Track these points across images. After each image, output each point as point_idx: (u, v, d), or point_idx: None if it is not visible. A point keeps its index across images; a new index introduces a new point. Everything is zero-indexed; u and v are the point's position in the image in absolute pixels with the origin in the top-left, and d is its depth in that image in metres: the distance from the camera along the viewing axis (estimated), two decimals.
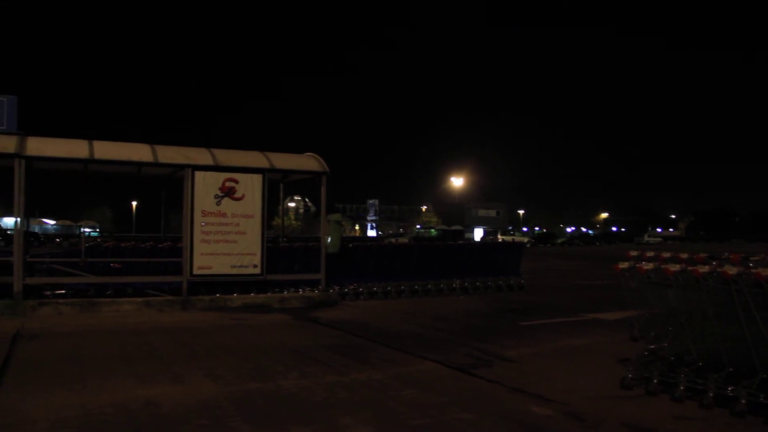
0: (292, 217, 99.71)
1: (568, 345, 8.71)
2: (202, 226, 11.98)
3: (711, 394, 5.47)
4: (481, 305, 13.01)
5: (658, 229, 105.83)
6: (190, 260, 11.85)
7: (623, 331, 8.93)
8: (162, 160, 11.98)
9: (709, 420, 5.24)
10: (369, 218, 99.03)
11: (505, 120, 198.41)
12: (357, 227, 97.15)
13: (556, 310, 12.32)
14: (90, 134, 12.03)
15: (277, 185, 15.20)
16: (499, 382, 6.51)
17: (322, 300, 12.82)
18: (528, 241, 62.55)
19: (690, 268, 5.74)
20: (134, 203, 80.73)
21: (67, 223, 71.88)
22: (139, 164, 12.20)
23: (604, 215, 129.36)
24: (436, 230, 64.08)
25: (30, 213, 13.98)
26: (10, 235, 11.76)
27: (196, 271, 11.91)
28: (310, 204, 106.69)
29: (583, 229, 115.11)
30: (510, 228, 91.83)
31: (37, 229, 58.50)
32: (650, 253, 6.66)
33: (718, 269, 5.48)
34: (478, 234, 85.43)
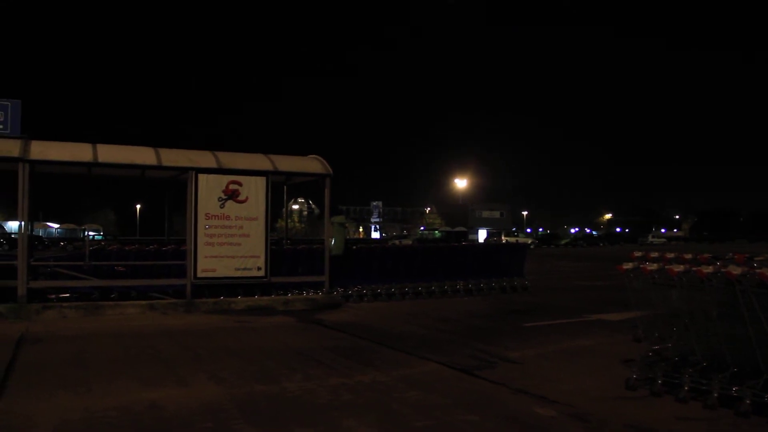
0: (296, 219, 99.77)
1: (572, 346, 8.70)
2: (206, 228, 11.99)
3: (715, 395, 5.45)
4: (484, 307, 12.99)
5: (662, 230, 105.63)
6: (194, 263, 11.87)
7: (627, 332, 8.92)
8: (166, 163, 12.01)
9: (714, 420, 5.23)
10: (372, 220, 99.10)
11: (505, 120, 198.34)
12: (361, 229, 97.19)
13: (560, 311, 12.30)
14: (90, 134, 12.12)
15: (280, 187, 15.21)
16: (502, 384, 6.50)
17: (326, 302, 12.82)
18: (531, 243, 62.44)
19: (694, 268, 5.73)
20: (138, 206, 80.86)
21: (71, 226, 71.96)
22: (143, 167, 12.23)
23: (608, 216, 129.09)
24: (439, 232, 64.00)
25: (34, 216, 14.00)
26: (14, 238, 11.78)
27: (200, 274, 11.92)
28: (313, 206, 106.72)
29: (587, 230, 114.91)
30: (514, 229, 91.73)
31: (41, 233, 58.57)
32: (654, 254, 6.64)
33: (722, 269, 5.47)
34: (482, 235, 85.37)
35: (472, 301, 14.01)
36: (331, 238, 13.51)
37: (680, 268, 5.82)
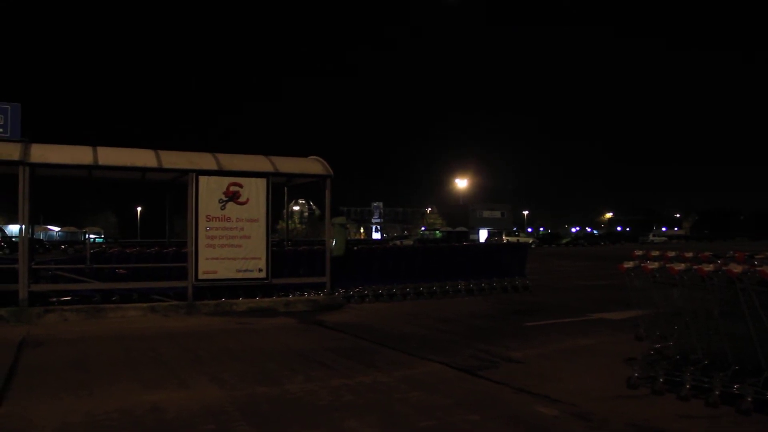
0: (297, 220, 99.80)
1: (574, 345, 8.70)
2: (207, 230, 12.00)
3: (717, 393, 5.45)
4: (486, 306, 12.99)
5: (663, 229, 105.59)
6: (195, 265, 11.87)
7: (628, 331, 8.91)
8: (166, 165, 12.01)
9: (716, 418, 5.23)
10: (373, 221, 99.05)
11: (505, 120, 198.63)
12: (362, 230, 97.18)
13: (561, 311, 12.30)
14: (91, 136, 12.16)
15: (281, 189, 15.22)
16: (504, 383, 6.50)
17: (327, 303, 12.82)
18: (532, 242, 62.48)
19: (695, 267, 5.74)
20: (139, 209, 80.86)
21: (72, 229, 71.95)
22: (143, 170, 12.23)
23: (609, 215, 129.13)
24: (440, 232, 63.99)
25: (35, 220, 14.01)
26: (15, 242, 11.78)
27: (201, 276, 11.92)
28: (314, 207, 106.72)
29: (588, 229, 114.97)
30: (515, 229, 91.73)
31: (41, 236, 58.57)
32: (655, 253, 6.65)
33: (723, 268, 5.47)
34: (483, 235, 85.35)
35: (473, 301, 14.00)
36: (332, 239, 13.52)
37: (681, 266, 5.82)
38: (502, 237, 71.47)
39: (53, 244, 55.79)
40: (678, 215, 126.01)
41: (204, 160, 12.33)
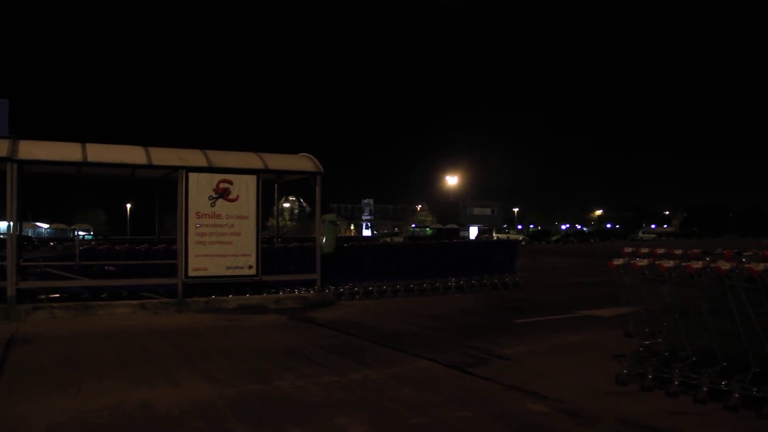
0: (287, 217, 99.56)
1: (564, 342, 8.74)
2: (197, 227, 11.97)
3: (705, 389, 5.50)
4: (476, 303, 13.03)
5: (653, 226, 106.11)
6: (185, 262, 11.84)
7: (618, 328, 8.97)
8: (156, 162, 11.97)
9: (704, 414, 5.27)
10: (364, 218, 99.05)
11: (505, 120, 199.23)
12: (352, 227, 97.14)
13: (551, 308, 12.34)
14: (89, 136, 12.13)
15: (271, 186, 15.19)
16: (495, 380, 6.53)
17: (317, 300, 12.82)
18: (523, 239, 62.67)
19: (684, 264, 5.77)
20: (128, 206, 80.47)
21: (61, 226, 71.54)
22: (133, 167, 12.18)
23: (599, 212, 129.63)
24: (431, 229, 64.05)
25: (23, 217, 13.92)
26: (3, 239, 11.70)
27: (191, 273, 11.90)
28: (304, 204, 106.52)
29: (578, 226, 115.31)
30: (505, 226, 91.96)
31: (30, 233, 58.26)
32: (644, 250, 6.69)
33: (712, 265, 5.51)
34: (473, 232, 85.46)
35: (463, 298, 14.04)
36: (323, 236, 13.52)
37: (670, 263, 5.86)
38: (491, 234, 71.49)
39: (42, 241, 55.45)
40: (667, 212, 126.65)
41: (194, 157, 12.29)
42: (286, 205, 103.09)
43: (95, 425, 5.07)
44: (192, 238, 11.92)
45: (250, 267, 12.37)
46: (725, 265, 5.35)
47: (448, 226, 67.93)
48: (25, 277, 11.60)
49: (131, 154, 12.03)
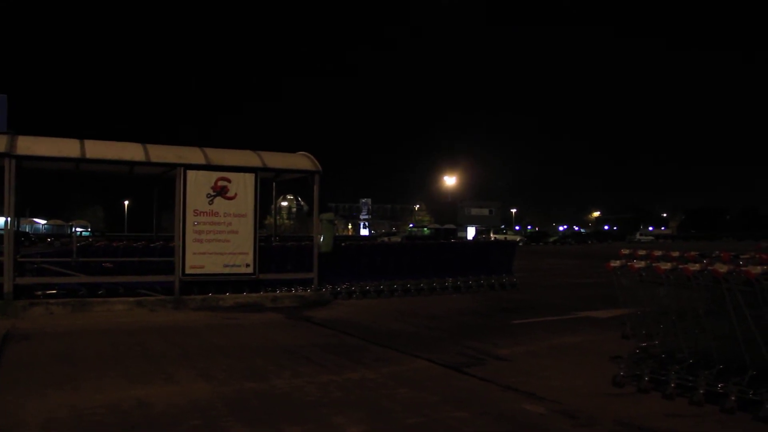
0: (285, 216, 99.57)
1: (561, 343, 8.75)
2: (195, 225, 11.96)
3: (701, 391, 5.51)
4: (473, 304, 13.03)
5: (650, 228, 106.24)
6: (182, 260, 11.83)
7: (615, 329, 8.97)
8: (154, 159, 11.95)
9: (700, 417, 5.28)
10: (362, 217, 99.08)
11: (505, 120, 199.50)
12: (350, 226, 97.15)
13: (549, 309, 12.36)
14: (89, 135, 12.03)
15: (269, 184, 15.18)
16: (491, 381, 6.53)
17: (314, 299, 12.82)
18: (520, 240, 62.67)
19: (681, 266, 5.78)
20: (126, 203, 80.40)
21: (59, 222, 71.52)
22: (131, 164, 12.16)
23: (596, 214, 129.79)
24: (428, 229, 64.15)
25: (20, 212, 13.91)
26: (1, 235, 11.68)
27: (188, 271, 11.88)
28: (302, 203, 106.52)
29: (576, 228, 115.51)
30: (503, 226, 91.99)
31: (27, 229, 58.18)
32: (642, 252, 6.70)
33: (709, 267, 5.52)
34: (471, 233, 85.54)
35: (461, 298, 14.05)
36: (320, 235, 13.51)
37: (667, 265, 5.87)
38: (489, 234, 71.55)
39: (39, 237, 55.39)
40: (665, 214, 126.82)
41: (192, 155, 12.28)
42: (284, 203, 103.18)
43: (91, 422, 5.06)
44: (189, 235, 11.90)
45: (248, 265, 12.36)
46: (722, 268, 5.36)
47: (446, 226, 68.05)
48: (22, 273, 11.58)
49: (130, 151, 12.01)
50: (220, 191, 12.18)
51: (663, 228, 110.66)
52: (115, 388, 6.08)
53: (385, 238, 51.70)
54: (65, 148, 11.47)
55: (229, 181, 12.24)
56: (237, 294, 12.45)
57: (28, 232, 53.93)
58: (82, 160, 11.50)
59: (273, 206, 18.60)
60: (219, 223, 12.13)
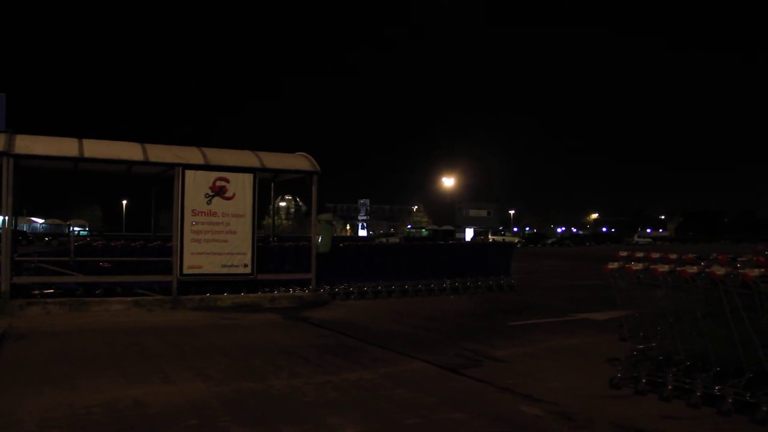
0: (283, 216, 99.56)
1: (558, 345, 8.75)
2: (193, 225, 11.95)
3: (698, 394, 5.51)
4: (471, 305, 13.03)
5: (648, 230, 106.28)
6: (180, 259, 11.82)
7: (613, 331, 8.96)
8: (152, 159, 11.94)
9: (697, 419, 5.28)
10: (360, 218, 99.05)
11: (505, 120, 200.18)
12: (348, 227, 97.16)
13: (546, 310, 12.36)
14: (89, 134, 12.05)
15: (267, 184, 15.18)
16: (489, 382, 6.53)
17: (312, 300, 12.81)
18: (518, 242, 62.67)
19: (679, 268, 5.78)
20: (124, 202, 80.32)
21: (57, 221, 71.41)
22: (130, 163, 12.15)
23: (594, 216, 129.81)
24: (426, 230, 64.13)
25: (18, 211, 13.88)
26: None
27: (186, 271, 11.87)
28: (300, 203, 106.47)
29: (573, 230, 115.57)
30: (501, 228, 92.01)
31: (25, 228, 58.13)
32: (640, 254, 6.70)
33: (707, 270, 5.52)
34: (469, 234, 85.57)
35: (458, 299, 14.05)
36: (318, 235, 13.50)
37: (665, 268, 5.87)
38: (487, 236, 71.60)
39: (37, 236, 55.33)
40: (663, 217, 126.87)
41: (191, 155, 12.28)
42: (282, 204, 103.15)
43: (88, 422, 5.05)
44: (187, 235, 11.90)
45: (246, 265, 12.35)
46: (720, 270, 5.36)
47: (444, 227, 67.97)
48: (19, 272, 11.57)
49: (128, 151, 12.00)
50: (219, 191, 12.17)
51: (661, 230, 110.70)
52: (112, 388, 6.07)
53: (383, 239, 51.72)
54: (64, 147, 11.46)
55: (227, 181, 12.24)
56: (235, 294, 12.44)
57: (25, 231, 53.87)
58: (80, 160, 11.50)
59: (271, 206, 18.59)
60: (217, 223, 12.13)
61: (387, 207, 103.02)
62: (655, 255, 6.49)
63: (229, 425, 5.01)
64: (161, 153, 12.17)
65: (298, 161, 13.65)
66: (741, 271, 5.28)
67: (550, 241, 75.88)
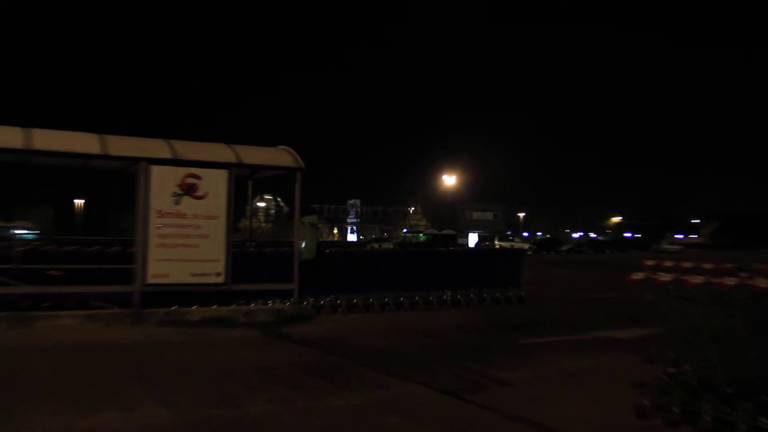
0: (262, 218, 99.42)
1: (574, 366, 8.72)
2: (158, 228, 11.87)
3: (743, 427, 5.42)
4: (475, 320, 13.01)
5: (678, 236, 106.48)
6: (144, 267, 11.73)
7: (637, 352, 8.89)
8: (113, 152, 11.85)
9: None
10: (349, 220, 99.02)
11: (506, 120, 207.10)
12: (335, 230, 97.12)
13: (561, 327, 12.35)
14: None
15: (245, 182, 15.14)
16: (494, 409, 6.50)
17: (294, 313, 12.76)
18: (529, 248, 62.77)
19: (714, 280, 5.72)
20: (80, 201, 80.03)
21: None
22: (86, 156, 12.07)
23: (617, 219, 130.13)
24: (424, 235, 64.31)
25: None
26: None
27: (150, 280, 11.79)
28: (282, 204, 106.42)
29: (592, 235, 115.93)
30: (509, 233, 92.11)
31: None
32: (669, 263, 6.65)
33: (747, 282, 5.46)
34: (473, 239, 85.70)
35: (460, 313, 14.02)
36: (302, 240, 13.47)
37: (699, 279, 5.81)
38: (493, 242, 71.70)
39: None
40: (697, 221, 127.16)
41: (157, 147, 12.20)
42: (262, 204, 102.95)
43: None
44: (152, 240, 11.82)
45: (218, 274, 12.28)
46: (764, 283, 5.31)
47: (445, 231, 68.13)
48: None
49: (83, 143, 11.90)
50: (189, 189, 12.10)
51: (693, 236, 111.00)
52: (60, 417, 5.98)
53: (376, 245, 51.74)
54: (7, 137, 11.30)
55: (198, 178, 12.16)
56: (206, 307, 12.36)
57: None
58: (27, 152, 11.36)
59: (249, 207, 18.57)
60: (186, 226, 12.05)
61: (380, 209, 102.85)
62: (687, 264, 6.44)
63: None
64: (123, 145, 12.09)
65: (280, 156, 13.59)
66: None
67: (565, 248, 76.04)
